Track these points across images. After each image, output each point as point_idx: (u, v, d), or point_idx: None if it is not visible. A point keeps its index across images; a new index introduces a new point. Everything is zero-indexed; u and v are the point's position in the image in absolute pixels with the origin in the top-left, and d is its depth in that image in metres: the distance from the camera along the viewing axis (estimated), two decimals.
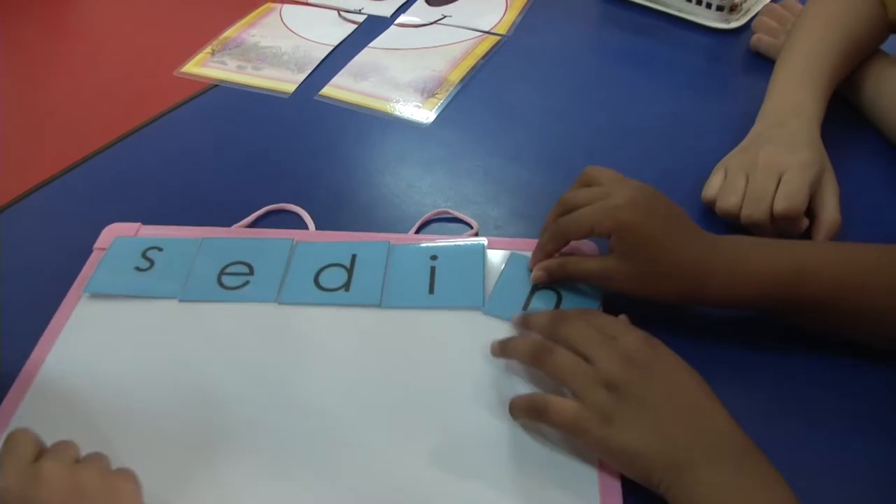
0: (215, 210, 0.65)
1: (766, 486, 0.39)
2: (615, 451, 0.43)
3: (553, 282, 0.55)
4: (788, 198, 0.56)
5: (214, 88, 0.82)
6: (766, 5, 0.85)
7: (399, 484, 0.45)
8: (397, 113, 0.76)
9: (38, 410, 0.49)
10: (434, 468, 0.45)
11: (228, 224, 0.63)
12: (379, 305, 0.55)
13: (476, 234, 0.61)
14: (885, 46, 0.71)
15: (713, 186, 0.60)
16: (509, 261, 0.58)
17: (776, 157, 0.59)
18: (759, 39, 0.81)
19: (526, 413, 0.46)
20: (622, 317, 0.50)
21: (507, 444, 0.46)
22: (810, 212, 0.57)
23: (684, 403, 0.43)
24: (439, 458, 0.46)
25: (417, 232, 0.62)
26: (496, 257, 0.58)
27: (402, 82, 0.80)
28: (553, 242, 0.54)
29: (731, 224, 0.59)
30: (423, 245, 0.60)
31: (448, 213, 0.64)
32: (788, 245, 0.51)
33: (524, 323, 0.51)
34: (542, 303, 0.55)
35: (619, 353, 0.44)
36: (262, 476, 0.45)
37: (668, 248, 0.49)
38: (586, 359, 0.45)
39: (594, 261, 0.52)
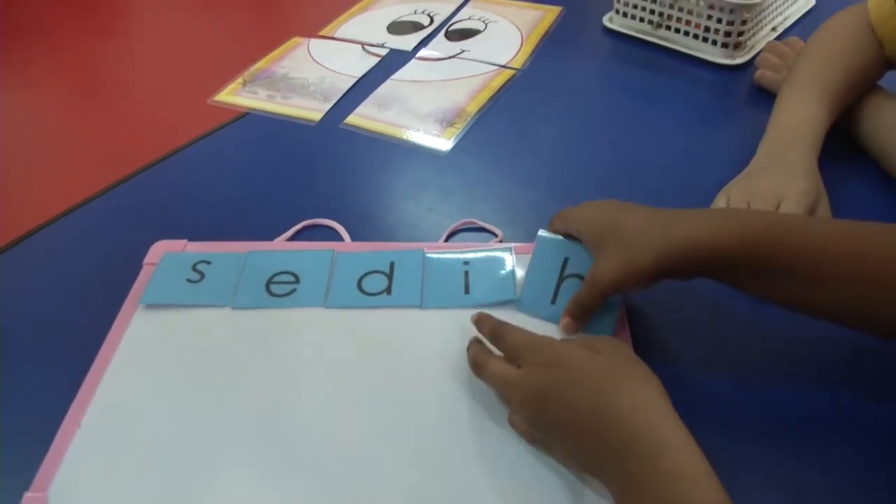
0: (254, 228, 0.69)
1: (674, 483, 0.38)
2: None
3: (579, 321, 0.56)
4: None
5: (246, 116, 0.87)
6: (769, 42, 0.88)
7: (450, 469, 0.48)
8: (418, 141, 0.80)
9: (103, 417, 0.52)
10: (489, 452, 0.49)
11: (268, 239, 0.67)
12: (420, 306, 0.59)
13: (501, 241, 0.66)
14: (882, 82, 0.74)
15: None
16: (532, 263, 0.61)
17: (775, 186, 0.62)
18: (763, 75, 0.85)
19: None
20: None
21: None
22: None
23: (585, 420, 0.43)
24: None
25: (447, 241, 0.67)
26: (522, 261, 0.62)
27: (423, 112, 0.85)
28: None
29: None
30: (455, 252, 0.64)
31: (474, 223, 0.68)
32: (756, 212, 0.55)
33: (477, 324, 0.55)
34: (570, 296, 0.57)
35: (522, 394, 0.47)
36: (326, 468, 0.49)
37: (626, 221, 0.52)
38: None
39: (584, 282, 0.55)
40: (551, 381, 0.46)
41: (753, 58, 0.89)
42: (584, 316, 0.55)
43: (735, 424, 0.51)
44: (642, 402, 0.42)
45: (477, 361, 0.52)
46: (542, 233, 0.62)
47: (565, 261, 0.60)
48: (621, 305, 0.58)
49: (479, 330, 0.54)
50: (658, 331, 0.57)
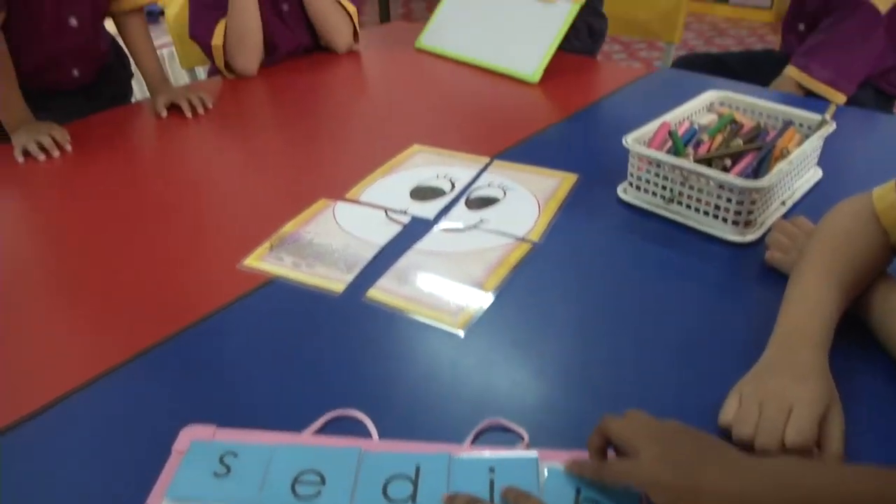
0: (281, 407, 0.71)
1: None
2: None
3: None
4: (799, 433, 0.60)
5: (273, 283, 0.90)
6: (778, 222, 0.90)
7: None
8: (436, 321, 0.82)
9: None
10: None
11: (294, 425, 0.68)
12: None
13: (527, 445, 0.66)
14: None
15: (728, 413, 0.64)
16: (549, 476, 0.62)
17: (786, 389, 0.63)
18: (772, 256, 0.87)
19: None
20: None
21: None
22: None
23: None
24: None
25: (473, 440, 0.67)
26: (546, 469, 0.62)
27: (442, 288, 0.87)
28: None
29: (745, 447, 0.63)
30: (480, 457, 0.64)
31: (499, 422, 0.68)
32: (836, 472, 0.55)
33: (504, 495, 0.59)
34: None
35: None
36: None
37: (704, 488, 0.53)
38: None
39: None
40: None
41: (764, 235, 0.92)
42: None
43: None
44: None
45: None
46: (548, 467, 0.63)
47: (578, 490, 0.61)
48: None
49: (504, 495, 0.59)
50: None
